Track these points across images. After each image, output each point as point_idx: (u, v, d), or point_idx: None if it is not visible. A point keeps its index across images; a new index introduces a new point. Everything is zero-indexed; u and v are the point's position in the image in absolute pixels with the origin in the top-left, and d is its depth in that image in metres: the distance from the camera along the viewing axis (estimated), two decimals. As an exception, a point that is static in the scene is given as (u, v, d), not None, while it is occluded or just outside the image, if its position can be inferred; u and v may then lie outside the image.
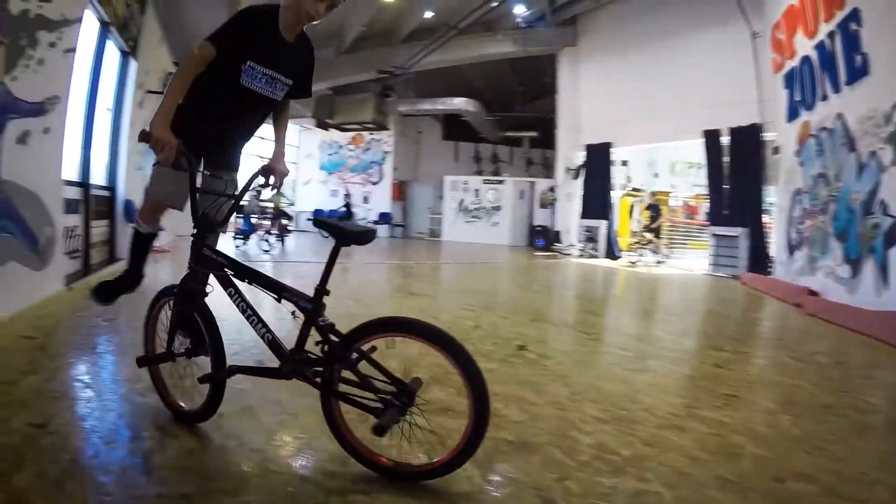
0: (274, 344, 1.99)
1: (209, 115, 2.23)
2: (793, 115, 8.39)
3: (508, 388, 2.97)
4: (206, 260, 2.13)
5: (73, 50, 4.60)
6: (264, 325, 1.99)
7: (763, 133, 10.53)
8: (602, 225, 14.42)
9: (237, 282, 2.08)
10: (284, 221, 11.59)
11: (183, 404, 2.28)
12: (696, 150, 12.89)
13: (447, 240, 19.93)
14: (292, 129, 21.46)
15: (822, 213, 7.16)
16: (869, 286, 5.75)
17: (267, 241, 11.33)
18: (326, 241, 1.87)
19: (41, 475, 1.74)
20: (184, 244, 2.43)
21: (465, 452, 1.79)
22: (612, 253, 14.21)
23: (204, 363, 2.18)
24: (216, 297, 2.13)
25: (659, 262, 13.06)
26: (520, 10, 14.96)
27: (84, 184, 5.79)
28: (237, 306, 2.05)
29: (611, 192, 14.68)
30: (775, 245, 9.74)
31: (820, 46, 7.12)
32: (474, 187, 20.30)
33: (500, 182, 20.18)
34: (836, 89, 6.77)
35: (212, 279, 2.18)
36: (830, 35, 6.78)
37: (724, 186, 11.35)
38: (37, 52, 3.92)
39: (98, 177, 6.49)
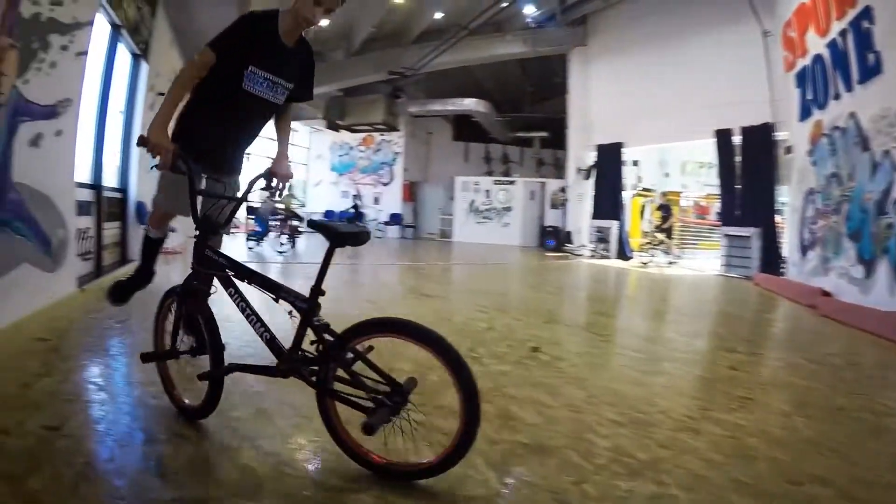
0: (272, 343, 2.03)
1: (211, 120, 2.29)
2: (805, 114, 8.29)
3: (523, 391, 2.95)
4: (207, 261, 2.17)
5: (84, 53, 4.62)
6: (263, 324, 2.04)
7: (775, 132, 10.43)
8: (613, 225, 14.35)
9: (238, 282, 2.13)
10: (295, 223, 11.61)
11: (186, 400, 2.32)
12: (707, 150, 12.82)
13: (458, 241, 19.92)
14: (303, 130, 21.59)
15: (835, 213, 7.07)
16: (883, 287, 5.66)
17: (282, 242, 11.39)
18: None
19: (55, 478, 1.74)
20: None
21: (458, 452, 1.80)
22: (623, 253, 14.14)
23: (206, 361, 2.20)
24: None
25: (670, 263, 12.97)
26: (530, 11, 14.90)
27: (96, 186, 5.83)
28: (237, 306, 2.10)
29: (622, 192, 14.59)
30: (788, 245, 9.64)
31: (832, 45, 7.03)
32: (485, 188, 20.28)
33: (511, 183, 20.13)
34: (849, 88, 6.68)
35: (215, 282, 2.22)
36: (843, 33, 6.70)
37: (736, 186, 11.25)
38: (49, 56, 3.94)
39: (110, 179, 6.55)
